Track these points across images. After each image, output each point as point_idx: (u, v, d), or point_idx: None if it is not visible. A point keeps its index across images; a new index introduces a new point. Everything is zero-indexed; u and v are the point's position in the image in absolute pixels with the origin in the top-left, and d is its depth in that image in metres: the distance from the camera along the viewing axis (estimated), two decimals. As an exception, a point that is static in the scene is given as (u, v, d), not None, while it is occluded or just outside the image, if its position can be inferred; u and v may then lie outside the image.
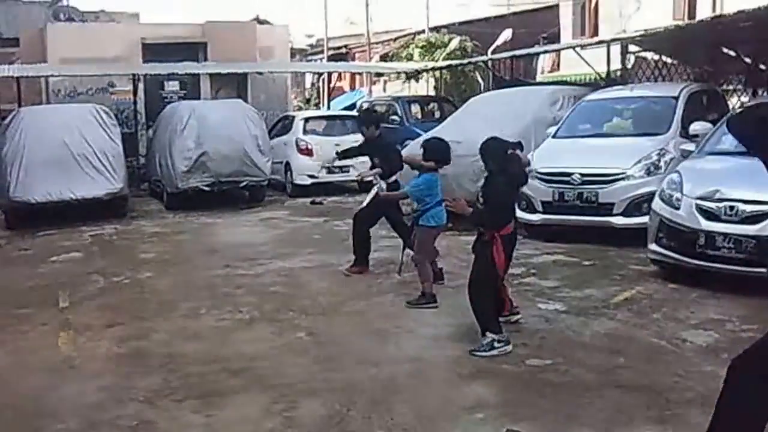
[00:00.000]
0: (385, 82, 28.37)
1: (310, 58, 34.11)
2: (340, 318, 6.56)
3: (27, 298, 7.66)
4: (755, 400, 3.19)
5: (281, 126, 16.82)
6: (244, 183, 13.84)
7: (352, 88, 31.19)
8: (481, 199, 5.68)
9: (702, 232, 6.69)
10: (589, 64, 14.98)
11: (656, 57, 14.54)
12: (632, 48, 14.28)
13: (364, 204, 8.14)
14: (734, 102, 12.25)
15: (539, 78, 22.42)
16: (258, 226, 11.89)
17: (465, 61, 21.55)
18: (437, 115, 17.90)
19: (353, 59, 32.18)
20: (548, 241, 9.05)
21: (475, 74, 22.06)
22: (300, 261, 8.86)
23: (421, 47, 25.85)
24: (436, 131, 10.41)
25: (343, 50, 33.60)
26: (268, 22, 26.53)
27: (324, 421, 4.43)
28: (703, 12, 18.05)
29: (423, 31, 28.10)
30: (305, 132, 15.70)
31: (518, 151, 5.72)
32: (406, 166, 7.72)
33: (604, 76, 14.21)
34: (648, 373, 4.91)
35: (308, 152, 15.30)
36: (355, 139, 11.05)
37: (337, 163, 13.03)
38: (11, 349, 6.06)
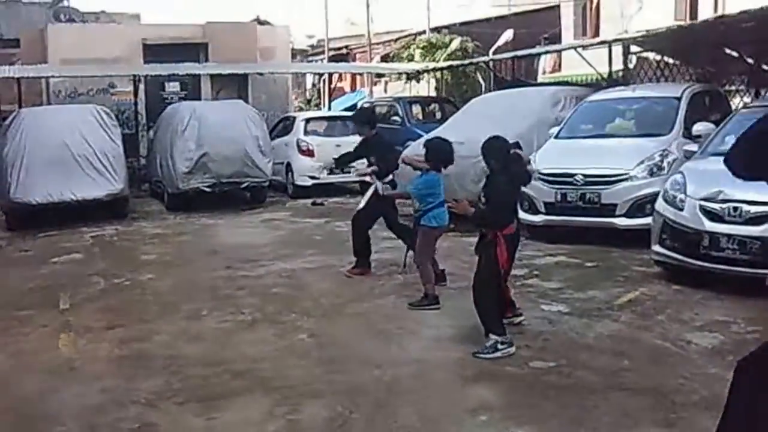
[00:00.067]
0: (386, 82, 28.35)
1: (310, 58, 34.09)
2: (342, 319, 6.53)
3: (27, 299, 7.63)
4: (763, 403, 3.16)
5: (282, 127, 16.79)
6: (245, 184, 13.81)
7: (353, 88, 31.18)
8: (483, 199, 5.65)
9: (706, 234, 6.66)
10: (590, 65, 14.94)
11: (658, 57, 14.52)
12: (634, 48, 14.26)
13: (362, 205, 8.12)
14: (737, 102, 12.22)
15: (540, 79, 22.39)
16: (259, 227, 11.86)
17: (466, 61, 21.51)
18: (438, 116, 17.86)
19: (354, 60, 32.16)
20: (551, 242, 9.02)
21: (476, 75, 22.03)
22: (301, 262, 8.83)
23: (422, 48, 25.82)
24: (438, 132, 10.37)
25: (344, 51, 33.59)
26: (268, 23, 26.50)
27: (327, 423, 4.40)
28: (705, 12, 18.04)
29: (424, 32, 28.06)
30: (306, 133, 15.67)
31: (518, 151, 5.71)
32: (405, 167, 7.70)
33: (605, 76, 14.18)
34: (653, 376, 4.88)
35: (309, 153, 15.27)
36: (356, 140, 11.02)
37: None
38: (12, 351, 6.03)
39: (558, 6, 24.56)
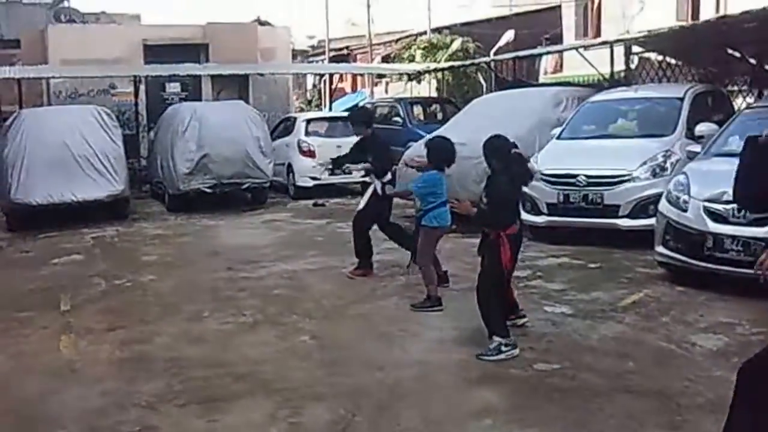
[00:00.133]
0: (387, 83, 28.33)
1: (311, 59, 34.06)
2: (344, 321, 6.50)
3: (28, 300, 7.60)
4: (766, 405, 3.13)
5: (283, 127, 16.76)
6: (246, 185, 13.77)
7: (354, 89, 31.15)
8: (484, 200, 5.62)
9: (710, 235, 6.63)
10: (592, 65, 14.91)
11: (660, 58, 14.48)
12: (636, 49, 14.22)
13: (362, 206, 8.10)
14: (739, 103, 12.18)
15: (542, 79, 22.35)
16: (260, 229, 11.83)
17: (467, 62, 21.47)
18: (440, 116, 17.83)
19: (355, 60, 32.12)
20: (553, 243, 8.98)
21: (477, 75, 22.01)
22: (303, 263, 8.79)
23: (423, 48, 25.80)
24: (439, 133, 10.34)
25: (345, 51, 33.56)
26: (269, 24, 26.46)
27: (329, 426, 4.37)
28: (707, 13, 18.00)
29: (425, 33, 28.03)
30: (307, 134, 15.64)
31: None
32: (405, 168, 7.68)
33: (607, 77, 14.15)
34: (658, 378, 4.84)
35: (310, 154, 15.22)
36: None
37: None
38: (12, 353, 6.00)
39: (559, 6, 24.52)
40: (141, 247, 10.55)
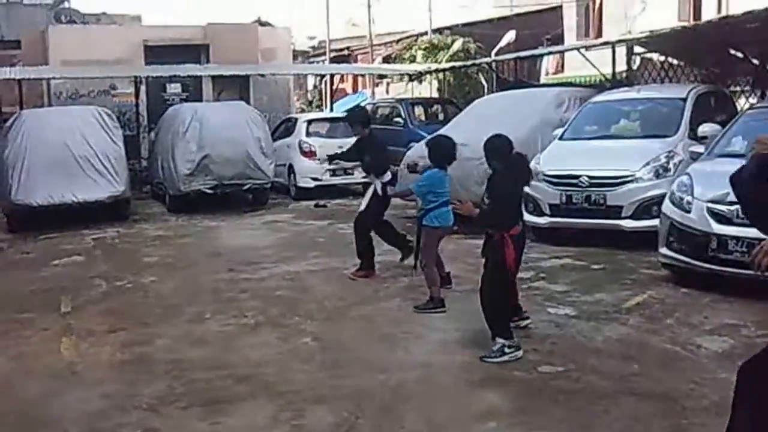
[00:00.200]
0: (388, 84, 28.33)
1: (312, 60, 34.05)
2: (346, 323, 6.46)
3: (28, 302, 7.56)
4: (765, 404, 3.11)
5: (284, 128, 16.72)
6: (247, 186, 13.74)
7: (355, 90, 31.14)
8: (486, 200, 5.59)
9: (714, 236, 6.59)
10: (594, 66, 14.89)
11: (662, 58, 14.44)
12: (638, 49, 14.18)
13: (363, 207, 8.08)
14: (742, 103, 12.15)
15: (543, 80, 22.34)
16: (261, 230, 11.79)
17: (468, 62, 21.45)
18: (441, 117, 17.82)
19: (355, 61, 32.11)
20: (556, 244, 8.94)
21: (478, 76, 21.98)
22: (305, 265, 8.76)
23: (424, 49, 25.79)
24: (441, 133, 10.32)
25: (346, 52, 33.55)
26: (269, 24, 26.46)
27: (332, 429, 4.34)
28: (708, 13, 17.97)
29: (426, 33, 28.03)
30: (308, 134, 15.60)
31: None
32: (405, 170, 7.68)
33: (609, 77, 14.11)
34: (663, 380, 4.81)
35: (311, 155, 15.19)
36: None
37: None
38: (13, 355, 5.97)
39: (560, 7, 24.51)
40: (142, 248, 10.51)
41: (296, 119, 16.66)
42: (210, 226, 12.28)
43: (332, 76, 23.81)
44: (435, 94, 23.46)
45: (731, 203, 6.49)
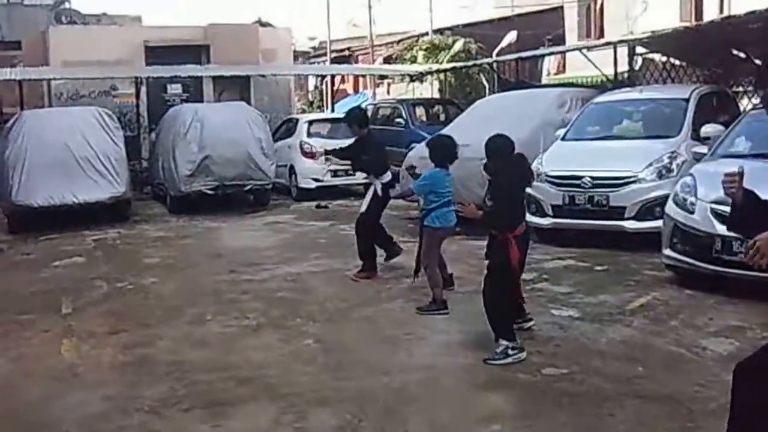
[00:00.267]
0: (389, 84, 28.29)
1: (312, 60, 34.05)
2: (348, 324, 6.43)
3: (29, 303, 7.53)
4: (762, 402, 3.09)
5: (285, 129, 16.70)
6: (248, 186, 13.71)
7: (356, 90, 31.11)
8: (488, 201, 5.56)
9: (718, 237, 6.54)
10: (596, 66, 14.86)
11: (664, 59, 14.41)
12: (639, 50, 14.15)
13: (363, 208, 8.06)
14: (745, 104, 12.12)
15: (545, 80, 22.31)
16: (263, 231, 11.76)
17: (470, 63, 21.44)
18: (442, 117, 17.80)
19: (356, 62, 32.09)
20: (559, 245, 8.90)
21: (479, 77, 21.98)
22: (306, 266, 8.73)
23: (425, 49, 25.78)
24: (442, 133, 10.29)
25: (346, 53, 33.53)
26: (270, 25, 26.46)
27: (335, 432, 4.31)
28: (710, 13, 17.96)
29: (426, 33, 28.01)
30: (309, 135, 15.56)
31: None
32: (405, 172, 7.65)
33: (611, 78, 14.08)
34: (668, 383, 4.77)
35: (313, 155, 15.13)
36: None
37: (342, 165, 13.06)
38: (13, 356, 5.93)
39: (562, 7, 24.50)
40: (143, 249, 10.48)
41: (297, 120, 16.63)
42: (211, 227, 12.24)
43: (333, 76, 23.79)
44: (436, 95, 23.42)
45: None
